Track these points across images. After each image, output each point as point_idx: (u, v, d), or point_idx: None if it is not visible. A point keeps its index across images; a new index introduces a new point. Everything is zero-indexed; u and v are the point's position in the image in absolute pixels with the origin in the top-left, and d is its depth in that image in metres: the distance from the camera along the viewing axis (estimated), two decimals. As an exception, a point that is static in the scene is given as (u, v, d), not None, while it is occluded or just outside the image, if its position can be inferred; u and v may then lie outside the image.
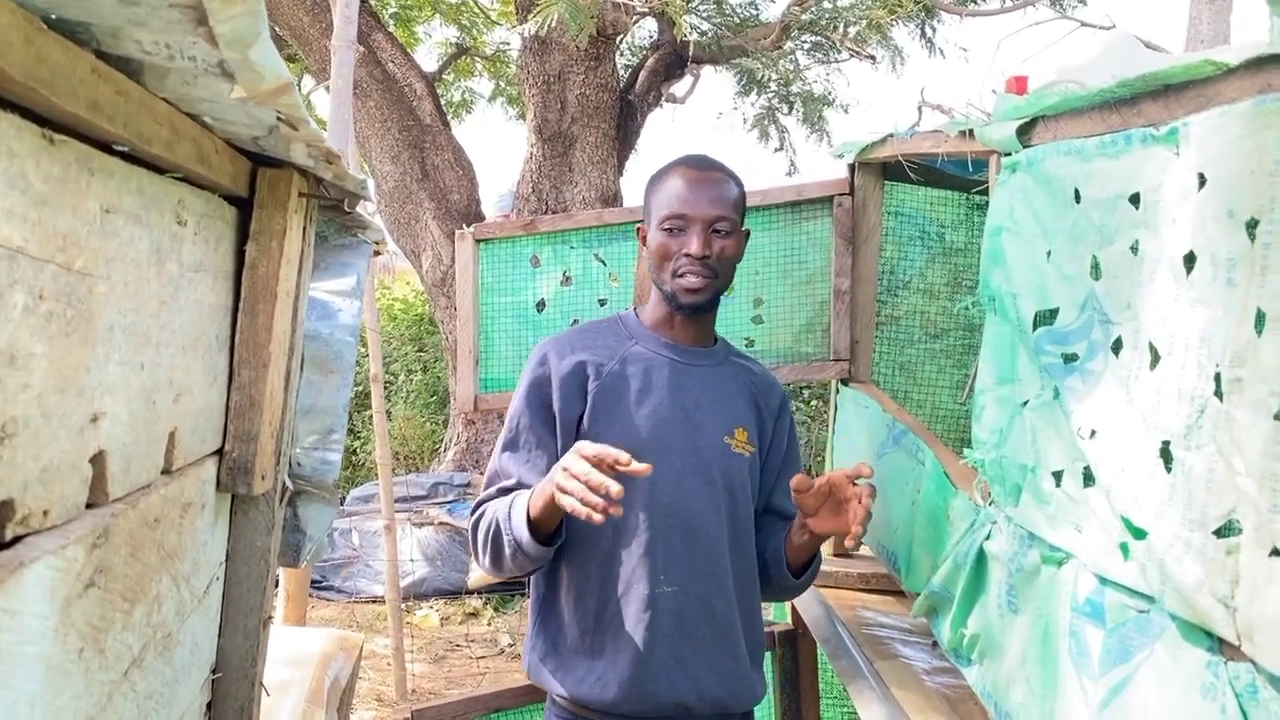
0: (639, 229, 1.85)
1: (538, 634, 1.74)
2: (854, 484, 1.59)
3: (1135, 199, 1.05)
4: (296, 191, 1.20)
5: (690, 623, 1.66)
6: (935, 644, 1.86)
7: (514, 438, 1.75)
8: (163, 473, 1.01)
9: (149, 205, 0.91)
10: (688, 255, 1.67)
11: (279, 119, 0.88)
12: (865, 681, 1.84)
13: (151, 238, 0.92)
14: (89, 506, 0.84)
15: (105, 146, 0.81)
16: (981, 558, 1.43)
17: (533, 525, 1.58)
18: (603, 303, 2.40)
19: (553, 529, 1.61)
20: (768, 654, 2.45)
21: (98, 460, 0.83)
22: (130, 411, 0.90)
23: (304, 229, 1.26)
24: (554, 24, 4.33)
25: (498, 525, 1.63)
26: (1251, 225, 0.84)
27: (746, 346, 2.36)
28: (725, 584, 1.69)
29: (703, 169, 1.74)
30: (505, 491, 1.70)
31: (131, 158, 0.86)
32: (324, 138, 0.99)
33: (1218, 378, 0.89)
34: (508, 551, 1.62)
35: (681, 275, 1.69)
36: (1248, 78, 0.89)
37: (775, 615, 2.74)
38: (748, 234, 1.79)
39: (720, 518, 1.70)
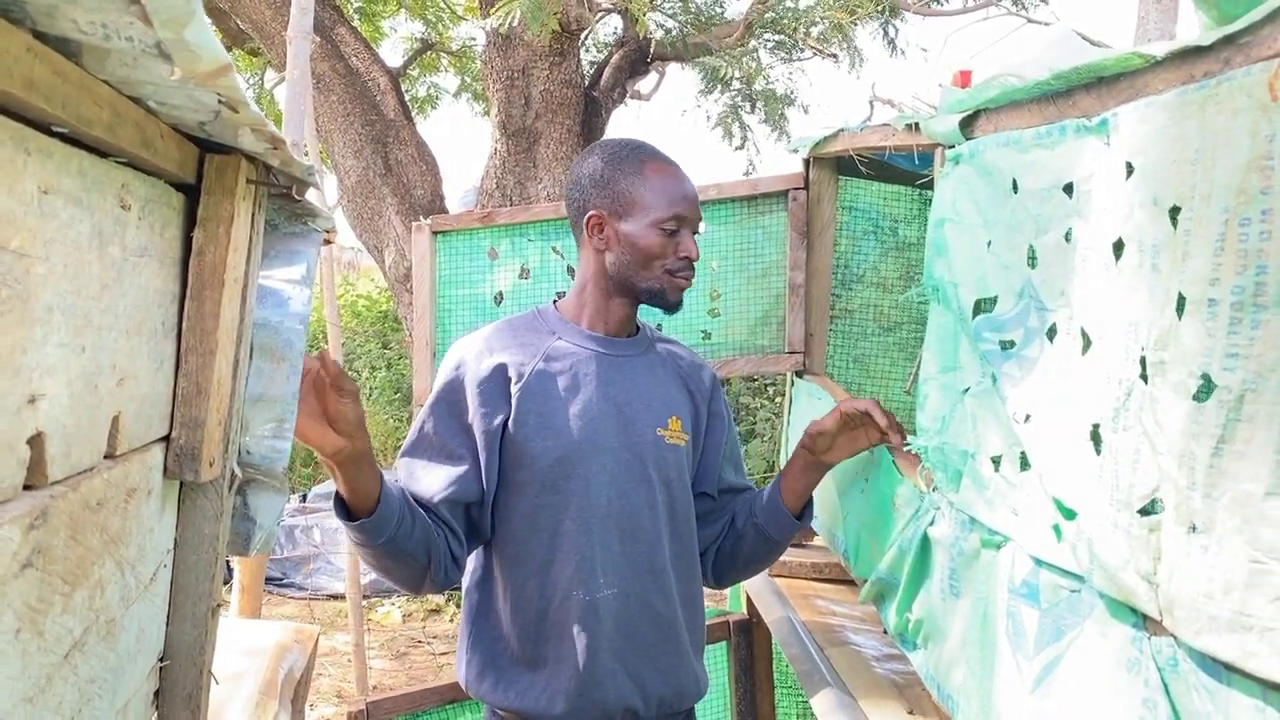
0: (591, 216, 1.70)
1: (473, 648, 1.68)
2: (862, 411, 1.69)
3: (1069, 188, 1.08)
4: (244, 178, 1.20)
5: (632, 624, 1.62)
6: (885, 631, 1.88)
7: (414, 443, 1.67)
8: (106, 457, 1.01)
9: (90, 188, 0.91)
10: (687, 258, 1.68)
11: (220, 101, 0.89)
12: (817, 669, 1.87)
13: (93, 220, 0.92)
14: (27, 488, 0.84)
15: (45, 128, 0.81)
16: (925, 543, 1.45)
17: (342, 500, 1.49)
18: (561, 295, 2.40)
19: (361, 500, 1.48)
20: (723, 644, 2.47)
21: (35, 442, 0.83)
22: (70, 394, 0.90)
23: (253, 216, 1.26)
24: (516, 22, 4.33)
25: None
26: (1174, 212, 0.87)
27: (703, 339, 2.38)
28: (664, 581, 1.66)
29: (678, 166, 1.73)
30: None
31: (73, 140, 0.86)
32: (266, 121, 0.99)
33: (1143, 361, 0.91)
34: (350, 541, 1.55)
35: (678, 276, 1.68)
36: (1173, 69, 0.91)
37: (731, 605, 2.76)
38: None
39: (657, 514, 1.67)
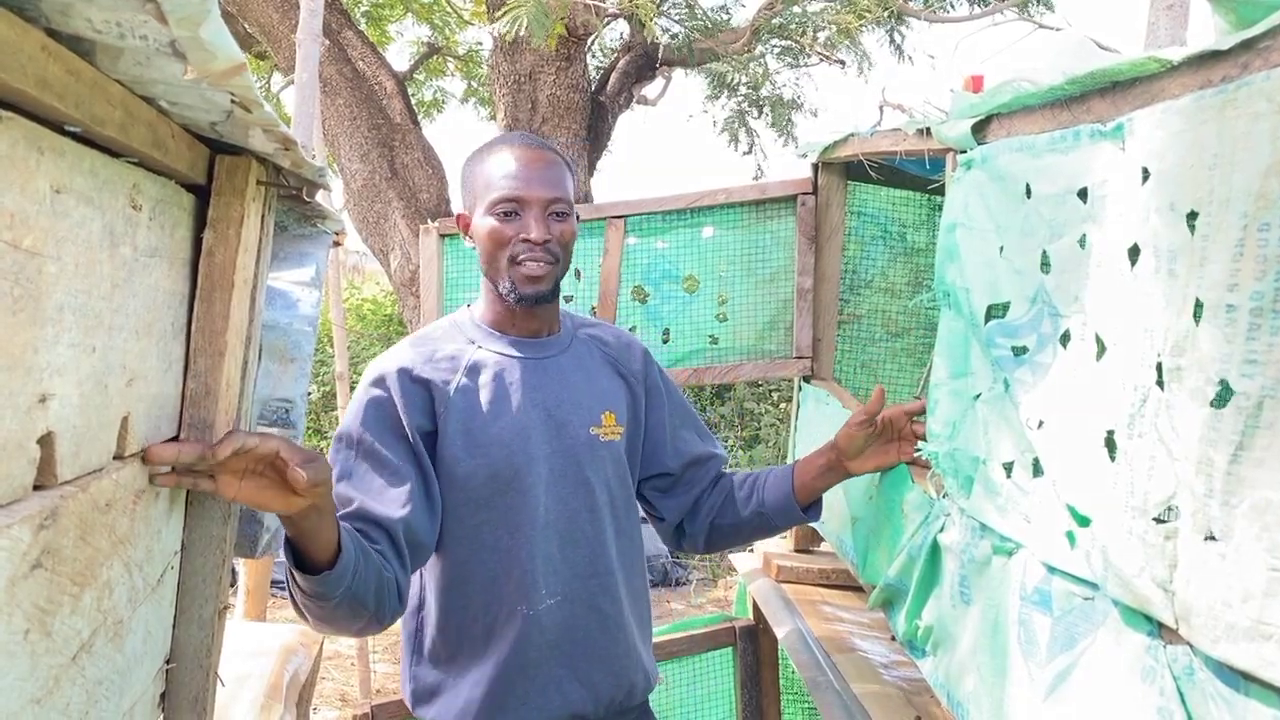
0: (458, 217, 1.66)
1: (416, 666, 1.63)
2: (912, 420, 1.63)
3: (1083, 194, 1.08)
4: (255, 179, 1.20)
5: (579, 630, 1.58)
6: (893, 637, 1.87)
7: (349, 465, 1.52)
8: (115, 458, 1.01)
9: (102, 187, 0.90)
10: (527, 240, 1.54)
11: (233, 101, 0.88)
12: (823, 676, 1.86)
13: (104, 220, 0.91)
14: (37, 488, 0.83)
15: (58, 127, 0.81)
16: (935, 550, 1.45)
17: (295, 549, 1.33)
18: (568, 299, 2.40)
19: (320, 551, 1.31)
20: (729, 650, 2.46)
21: (45, 441, 0.83)
22: (81, 394, 0.89)
23: (262, 217, 1.25)
24: (523, 30, 4.33)
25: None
26: (1191, 217, 0.86)
27: (710, 344, 2.38)
28: (610, 582, 1.62)
29: (532, 148, 1.60)
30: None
31: (85, 140, 0.86)
32: (279, 121, 0.99)
33: (1159, 367, 0.91)
34: (290, 589, 1.38)
35: (521, 262, 1.55)
36: (1190, 74, 0.91)
37: (737, 611, 2.76)
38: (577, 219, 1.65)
39: (599, 515, 1.62)
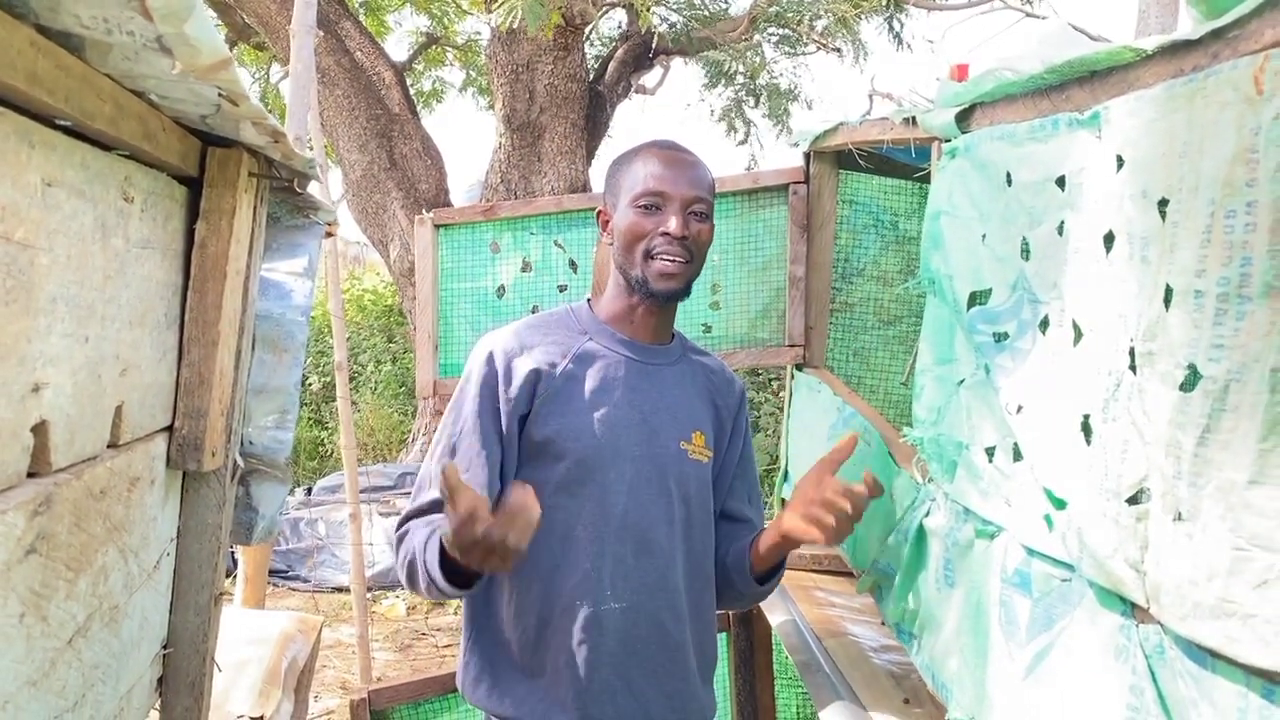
0: (599, 213, 1.70)
1: (471, 651, 1.62)
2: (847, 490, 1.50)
3: (1061, 181, 1.09)
4: (246, 171, 1.22)
5: (640, 641, 1.55)
6: (883, 622, 1.89)
7: (455, 443, 1.58)
8: (109, 446, 1.02)
9: (93, 180, 0.92)
10: (665, 234, 1.56)
11: (220, 95, 0.90)
12: (815, 660, 1.88)
13: (96, 212, 0.93)
14: (31, 475, 0.85)
15: (49, 122, 0.82)
16: (921, 534, 1.46)
17: (449, 565, 1.40)
18: (562, 289, 2.42)
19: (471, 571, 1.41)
20: (722, 635, 2.48)
21: (39, 430, 0.85)
22: (74, 383, 0.91)
23: (254, 209, 1.27)
24: (517, 22, 4.34)
25: (414, 557, 1.48)
26: (1162, 204, 0.88)
27: (704, 332, 2.39)
28: (677, 600, 1.59)
29: (680, 151, 1.65)
30: (436, 505, 1.54)
31: (76, 134, 0.88)
32: (266, 114, 1.01)
33: (1132, 352, 0.92)
34: (422, 585, 1.47)
35: (656, 257, 1.57)
36: (1163, 63, 0.92)
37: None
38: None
39: (674, 529, 1.59)
